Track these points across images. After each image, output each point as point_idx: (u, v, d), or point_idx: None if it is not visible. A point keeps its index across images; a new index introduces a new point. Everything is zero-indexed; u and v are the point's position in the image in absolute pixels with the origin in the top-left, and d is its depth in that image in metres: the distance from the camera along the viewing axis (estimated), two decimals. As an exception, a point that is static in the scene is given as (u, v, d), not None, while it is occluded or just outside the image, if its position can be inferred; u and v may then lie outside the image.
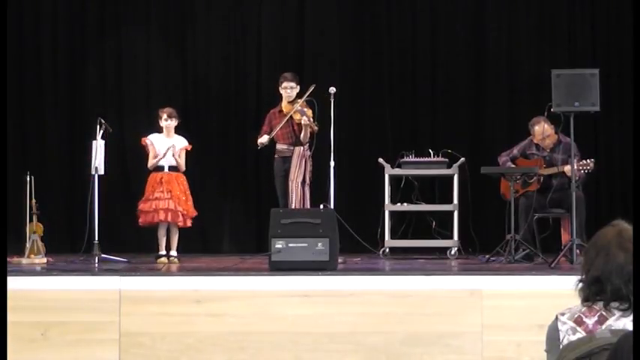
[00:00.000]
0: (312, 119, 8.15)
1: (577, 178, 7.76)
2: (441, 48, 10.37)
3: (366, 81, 10.37)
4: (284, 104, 8.38)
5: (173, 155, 8.22)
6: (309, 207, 8.09)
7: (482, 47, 10.30)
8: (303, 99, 8.22)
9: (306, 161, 8.27)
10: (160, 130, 8.36)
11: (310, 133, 8.21)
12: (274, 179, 8.43)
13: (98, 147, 8.00)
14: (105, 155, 8.07)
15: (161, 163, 8.24)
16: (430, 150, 8.98)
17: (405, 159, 8.92)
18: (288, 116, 8.24)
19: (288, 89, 8.36)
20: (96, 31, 10.46)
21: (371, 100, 10.34)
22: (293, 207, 8.00)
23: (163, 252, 8.19)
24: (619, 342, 2.58)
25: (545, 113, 7.66)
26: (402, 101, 10.38)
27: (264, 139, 8.33)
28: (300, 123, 8.18)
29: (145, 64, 10.49)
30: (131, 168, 10.07)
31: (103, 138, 8.04)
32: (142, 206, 8.20)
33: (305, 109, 8.19)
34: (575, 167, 7.73)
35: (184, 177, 8.33)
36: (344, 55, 10.36)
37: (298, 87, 8.39)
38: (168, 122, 8.30)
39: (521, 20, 10.29)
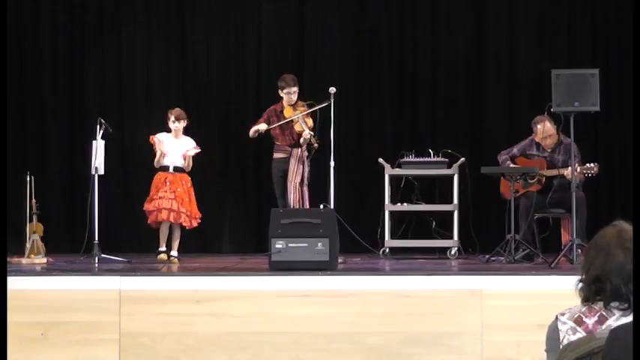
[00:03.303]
0: (312, 134, 8.15)
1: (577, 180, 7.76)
2: (441, 48, 10.36)
3: (366, 81, 10.36)
4: (285, 108, 8.38)
5: (185, 158, 8.23)
6: (308, 207, 8.09)
7: (482, 47, 10.29)
8: (307, 112, 8.21)
9: (304, 162, 8.28)
10: (168, 130, 8.37)
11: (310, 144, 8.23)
12: (272, 181, 8.44)
13: (98, 147, 8.00)
14: (105, 155, 8.07)
15: (166, 163, 8.25)
16: (430, 150, 8.97)
17: (405, 159, 8.91)
18: (289, 120, 8.25)
19: (292, 94, 8.36)
20: (96, 31, 10.45)
21: (371, 100, 10.33)
22: (292, 208, 8.00)
23: (164, 248, 8.20)
24: (610, 339, 2.58)
25: (545, 113, 7.65)
26: (402, 101, 10.37)
27: (261, 127, 8.31)
28: (301, 133, 8.22)
29: (145, 63, 10.47)
30: (131, 168, 10.08)
31: (103, 138, 8.04)
32: (146, 206, 8.23)
33: (306, 119, 8.20)
34: (579, 170, 7.73)
35: (189, 178, 8.33)
36: (344, 55, 10.36)
37: (298, 89, 8.40)
38: (176, 124, 8.31)
39: (521, 20, 10.28)
